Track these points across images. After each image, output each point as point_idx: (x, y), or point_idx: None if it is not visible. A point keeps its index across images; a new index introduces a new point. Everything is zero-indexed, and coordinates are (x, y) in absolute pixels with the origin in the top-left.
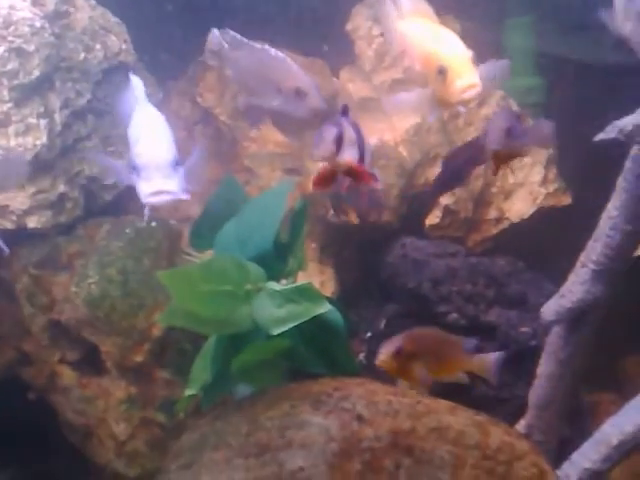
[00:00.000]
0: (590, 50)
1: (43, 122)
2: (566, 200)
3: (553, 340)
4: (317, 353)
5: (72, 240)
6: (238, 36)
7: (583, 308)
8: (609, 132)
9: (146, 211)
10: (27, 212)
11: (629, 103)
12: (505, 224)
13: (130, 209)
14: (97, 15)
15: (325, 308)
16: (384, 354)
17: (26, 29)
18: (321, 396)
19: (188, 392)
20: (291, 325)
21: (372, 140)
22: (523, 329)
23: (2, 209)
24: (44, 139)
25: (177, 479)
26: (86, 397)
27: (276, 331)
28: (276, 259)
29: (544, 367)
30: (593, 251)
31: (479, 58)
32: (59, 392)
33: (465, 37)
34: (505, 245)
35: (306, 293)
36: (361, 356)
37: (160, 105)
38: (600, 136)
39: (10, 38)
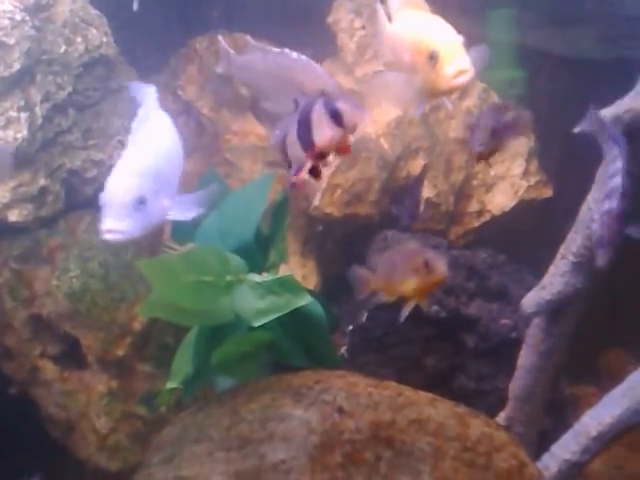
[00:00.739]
0: (572, 44)
1: (24, 115)
2: (547, 192)
3: (533, 332)
4: (298, 346)
5: (53, 234)
6: (251, 40)
7: (563, 300)
8: (588, 123)
9: None
10: (8, 206)
11: (610, 97)
12: (487, 217)
13: None
14: (78, 8)
15: (306, 300)
16: None
17: (6, 22)
18: (302, 389)
19: (169, 385)
20: (272, 317)
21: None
22: (504, 321)
23: None
24: (25, 132)
25: (158, 473)
26: (67, 391)
27: (257, 323)
28: (257, 251)
29: (524, 359)
30: (573, 243)
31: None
32: (40, 386)
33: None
34: (487, 238)
35: (287, 285)
36: (343, 349)
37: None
38: (579, 127)
39: None
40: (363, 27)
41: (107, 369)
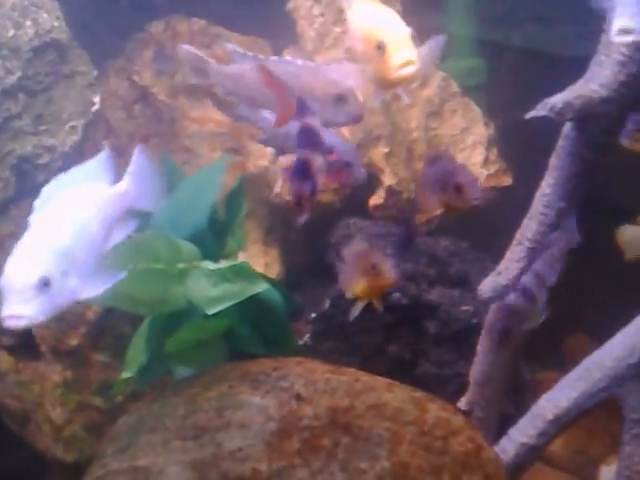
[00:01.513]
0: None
1: None
2: (507, 180)
3: (492, 312)
4: (256, 333)
5: (4, 221)
6: (240, 50)
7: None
8: (540, 109)
9: None
10: None
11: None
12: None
13: None
14: None
15: (261, 287)
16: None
17: None
18: (259, 376)
19: (124, 375)
20: (227, 304)
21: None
22: (464, 307)
23: None
24: None
25: (113, 463)
26: (22, 382)
27: (211, 310)
28: (212, 238)
29: (483, 344)
30: (528, 229)
31: (421, 41)
32: None
33: (407, 19)
34: (450, 225)
35: (242, 272)
36: (306, 337)
37: (95, 84)
38: (531, 113)
39: None
40: (322, 14)
41: (61, 359)
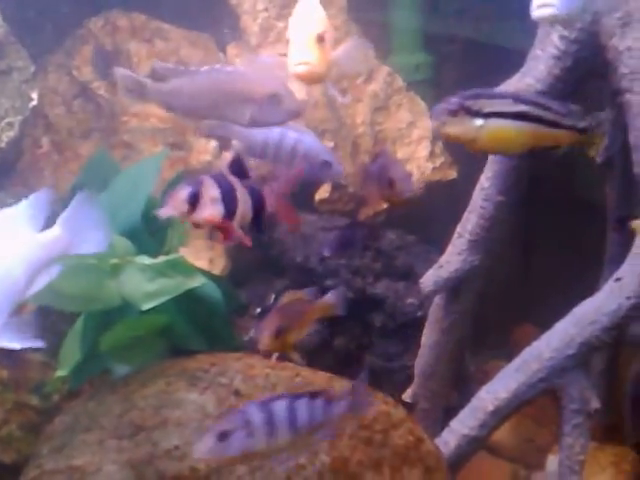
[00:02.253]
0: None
1: None
2: (452, 174)
3: (435, 310)
4: (196, 329)
5: None
6: (170, 66)
7: (461, 277)
8: None
9: None
10: None
11: None
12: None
13: None
14: None
15: (199, 282)
16: (265, 338)
17: None
18: (197, 372)
19: (59, 373)
20: (162, 300)
21: None
22: (410, 300)
23: None
24: None
25: (49, 463)
26: None
27: (146, 306)
28: (147, 234)
29: (427, 337)
30: (468, 222)
31: (366, 35)
32: None
33: (353, 13)
34: (396, 219)
35: (178, 267)
36: (252, 332)
37: (33, 80)
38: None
39: None
40: (266, 9)
41: None
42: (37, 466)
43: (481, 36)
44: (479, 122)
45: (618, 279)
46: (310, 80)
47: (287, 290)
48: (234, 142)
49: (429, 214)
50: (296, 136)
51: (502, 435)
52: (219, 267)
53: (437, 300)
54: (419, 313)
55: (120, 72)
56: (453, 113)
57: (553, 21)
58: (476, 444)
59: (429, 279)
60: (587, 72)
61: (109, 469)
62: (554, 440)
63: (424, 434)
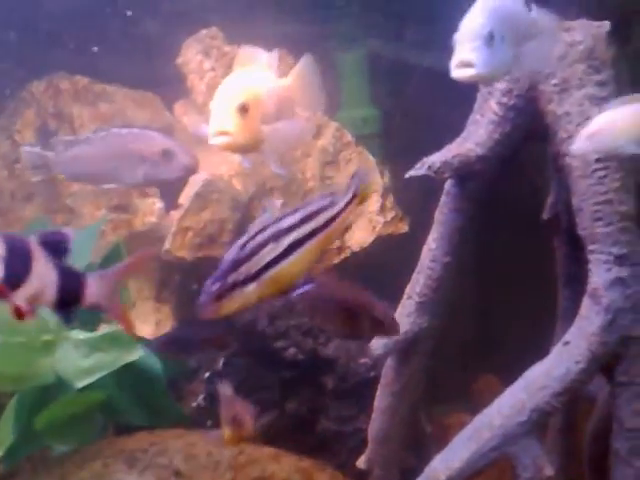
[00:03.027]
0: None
1: None
2: (403, 228)
3: (386, 373)
4: (136, 403)
5: None
6: (65, 137)
7: (410, 340)
8: (418, 169)
9: None
10: None
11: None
12: (347, 253)
13: None
14: None
15: (136, 355)
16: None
17: None
18: (136, 452)
19: None
20: (98, 376)
21: (202, 176)
22: (362, 360)
23: None
24: None
25: None
26: None
27: (81, 384)
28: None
29: (379, 400)
30: (416, 283)
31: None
32: None
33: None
34: (348, 274)
35: (116, 340)
36: (200, 398)
37: None
38: (410, 173)
39: None
40: (213, 69)
41: None
42: None
43: (429, 89)
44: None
45: (566, 343)
46: (231, 150)
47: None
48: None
49: (381, 268)
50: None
51: None
52: (166, 329)
53: (388, 362)
54: (372, 373)
55: (25, 150)
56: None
57: (474, 81)
58: None
59: (378, 342)
60: (527, 136)
61: None
62: None
63: None
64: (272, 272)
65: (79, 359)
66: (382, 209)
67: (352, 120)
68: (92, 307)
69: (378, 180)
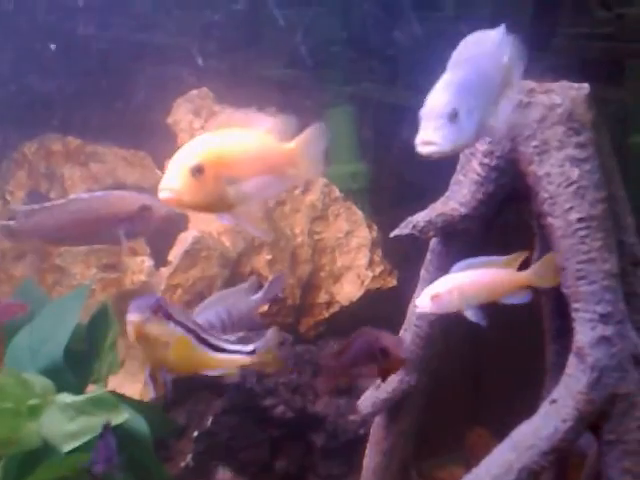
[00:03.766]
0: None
1: None
2: (392, 282)
3: (375, 430)
4: (122, 465)
5: None
6: (34, 206)
7: (399, 397)
8: (403, 228)
9: None
10: None
11: None
12: (336, 307)
13: None
14: None
15: (123, 417)
16: None
17: None
18: None
19: None
20: (84, 439)
21: (191, 233)
22: (352, 417)
23: None
24: None
25: None
26: None
27: (67, 448)
28: (68, 369)
29: (368, 459)
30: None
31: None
32: None
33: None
34: (338, 328)
35: (101, 402)
36: (189, 458)
37: None
38: (395, 232)
39: None
40: (203, 128)
41: None
42: None
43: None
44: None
45: (554, 401)
46: (182, 208)
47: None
48: None
49: (370, 322)
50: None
51: None
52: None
53: (377, 420)
54: (362, 431)
55: None
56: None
57: (438, 156)
58: None
59: (367, 400)
60: (510, 196)
61: None
62: None
63: None
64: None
65: (65, 423)
66: (370, 263)
67: (341, 175)
68: None
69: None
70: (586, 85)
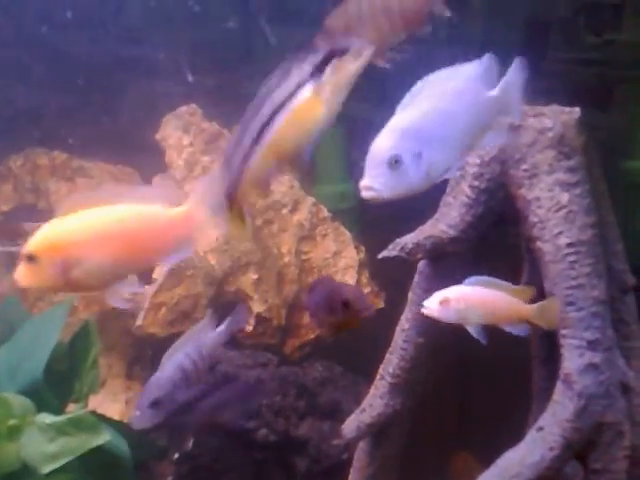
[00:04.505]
0: None
1: None
2: (379, 303)
3: (359, 455)
4: None
5: None
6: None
7: (384, 422)
8: (391, 250)
9: None
10: None
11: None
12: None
13: None
14: None
15: (103, 439)
16: None
17: None
18: None
19: None
20: (64, 461)
21: None
22: (335, 442)
23: None
24: None
25: None
26: None
27: (47, 469)
28: (48, 388)
29: None
30: (390, 364)
31: None
32: None
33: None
34: (323, 349)
35: (83, 424)
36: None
37: None
38: (383, 254)
39: None
40: (191, 144)
41: None
42: None
43: None
44: None
45: (540, 428)
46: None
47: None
48: None
49: (357, 344)
50: None
51: None
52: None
53: (361, 445)
54: (345, 455)
55: None
56: None
57: (381, 202)
58: None
59: (351, 425)
60: (499, 218)
61: None
62: None
63: None
64: None
65: (45, 444)
66: (358, 284)
67: (329, 195)
68: None
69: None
70: (577, 109)
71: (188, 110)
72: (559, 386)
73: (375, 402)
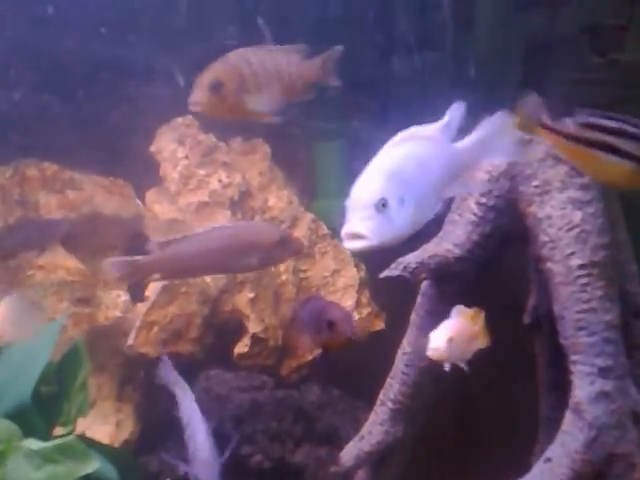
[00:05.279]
0: None
1: None
2: (379, 324)
3: None
4: None
5: None
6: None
7: (383, 450)
8: (394, 269)
9: None
10: None
11: None
12: (319, 349)
13: None
14: None
15: (91, 467)
16: None
17: None
18: None
19: None
20: None
21: None
22: (333, 469)
23: None
24: None
25: None
26: None
27: None
28: (36, 412)
29: None
30: (391, 389)
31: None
32: None
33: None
34: (321, 372)
35: (70, 450)
36: None
37: None
38: (385, 273)
39: None
40: (187, 157)
41: None
42: None
43: None
44: None
45: (548, 459)
46: None
47: None
48: None
49: (356, 365)
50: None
51: None
52: (127, 431)
53: (360, 474)
54: None
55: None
56: None
57: (367, 252)
58: None
59: (350, 452)
60: (506, 237)
61: None
62: None
63: None
64: None
65: (30, 471)
66: (357, 304)
67: (329, 212)
68: None
69: None
70: None
71: (184, 121)
72: (568, 415)
73: (375, 429)
